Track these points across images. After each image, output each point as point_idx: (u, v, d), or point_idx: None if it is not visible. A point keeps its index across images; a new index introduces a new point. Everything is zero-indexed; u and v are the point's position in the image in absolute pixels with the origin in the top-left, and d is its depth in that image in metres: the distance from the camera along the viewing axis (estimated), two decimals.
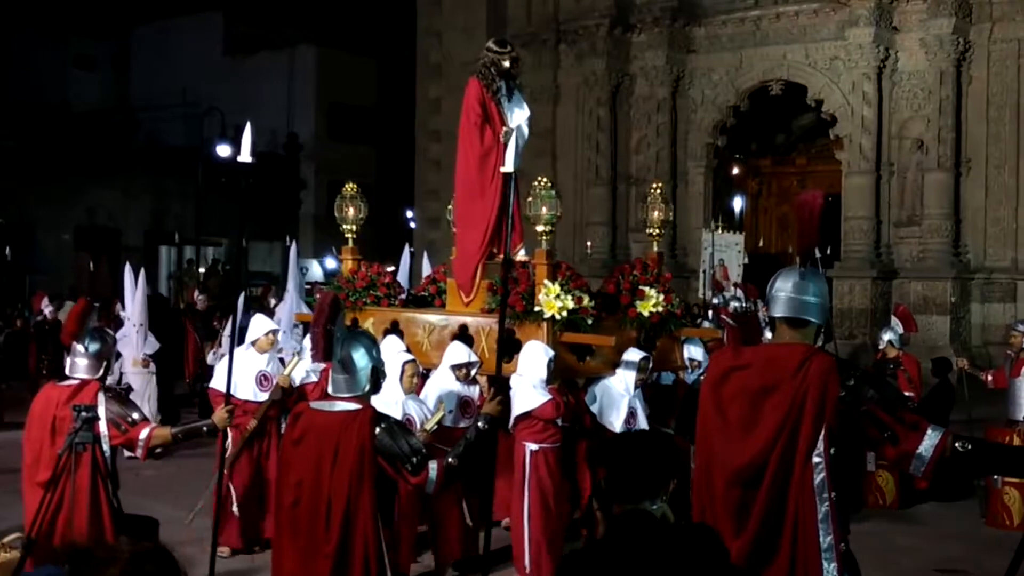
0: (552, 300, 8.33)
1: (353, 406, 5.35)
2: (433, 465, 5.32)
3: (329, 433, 5.29)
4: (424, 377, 8.60)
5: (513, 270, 8.77)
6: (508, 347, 8.31)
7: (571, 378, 8.99)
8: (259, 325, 9.62)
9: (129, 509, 6.61)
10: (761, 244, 30.90)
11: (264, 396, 9.00)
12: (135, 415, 6.36)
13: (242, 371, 8.91)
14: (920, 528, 10.49)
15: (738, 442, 4.44)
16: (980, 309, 21.93)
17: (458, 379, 8.41)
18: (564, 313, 8.35)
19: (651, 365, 9.01)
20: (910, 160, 22.17)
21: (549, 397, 8.07)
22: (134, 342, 13.64)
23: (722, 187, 27.22)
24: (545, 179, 8.97)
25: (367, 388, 5.47)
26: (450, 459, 5.44)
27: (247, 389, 9.09)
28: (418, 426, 7.45)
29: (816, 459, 4.31)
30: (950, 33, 21.24)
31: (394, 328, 9.32)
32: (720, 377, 4.61)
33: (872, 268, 22.02)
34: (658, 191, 10.18)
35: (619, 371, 8.77)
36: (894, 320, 13.28)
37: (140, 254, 33.85)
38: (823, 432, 4.32)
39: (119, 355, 12.75)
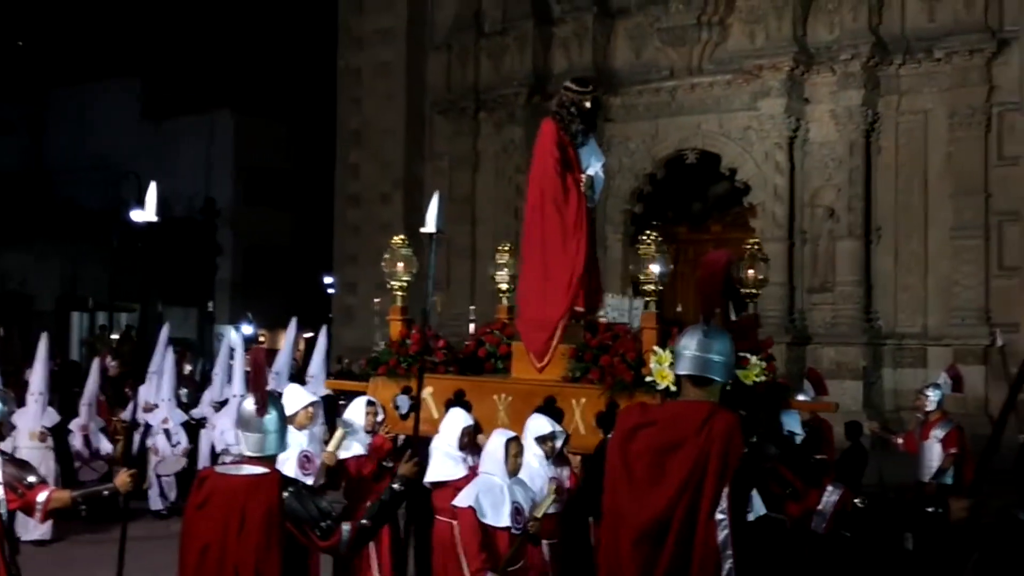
0: (666, 370, 7.33)
1: (260, 469, 5.28)
2: (346, 527, 5.25)
3: (235, 497, 5.19)
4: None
5: (597, 332, 8.20)
6: (611, 421, 7.61)
7: None
8: (296, 398, 8.19)
9: None
10: (680, 310, 31.05)
11: (309, 480, 7.60)
12: (31, 478, 6.20)
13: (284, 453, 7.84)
14: None
15: (643, 499, 4.44)
16: (892, 374, 22.19)
17: (545, 454, 7.38)
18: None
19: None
20: (822, 228, 22.53)
21: None
22: (31, 412, 12.32)
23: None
24: (655, 234, 8.01)
25: (275, 451, 5.43)
26: (364, 520, 5.38)
27: (289, 473, 7.54)
28: (526, 513, 6.76)
29: (720, 516, 4.33)
30: (859, 105, 21.77)
31: (459, 399, 8.28)
32: (627, 434, 4.61)
33: (786, 333, 22.23)
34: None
35: None
36: (806, 383, 13.39)
37: (51, 319, 33.17)
38: (726, 489, 4.34)
39: (13, 426, 11.53)
